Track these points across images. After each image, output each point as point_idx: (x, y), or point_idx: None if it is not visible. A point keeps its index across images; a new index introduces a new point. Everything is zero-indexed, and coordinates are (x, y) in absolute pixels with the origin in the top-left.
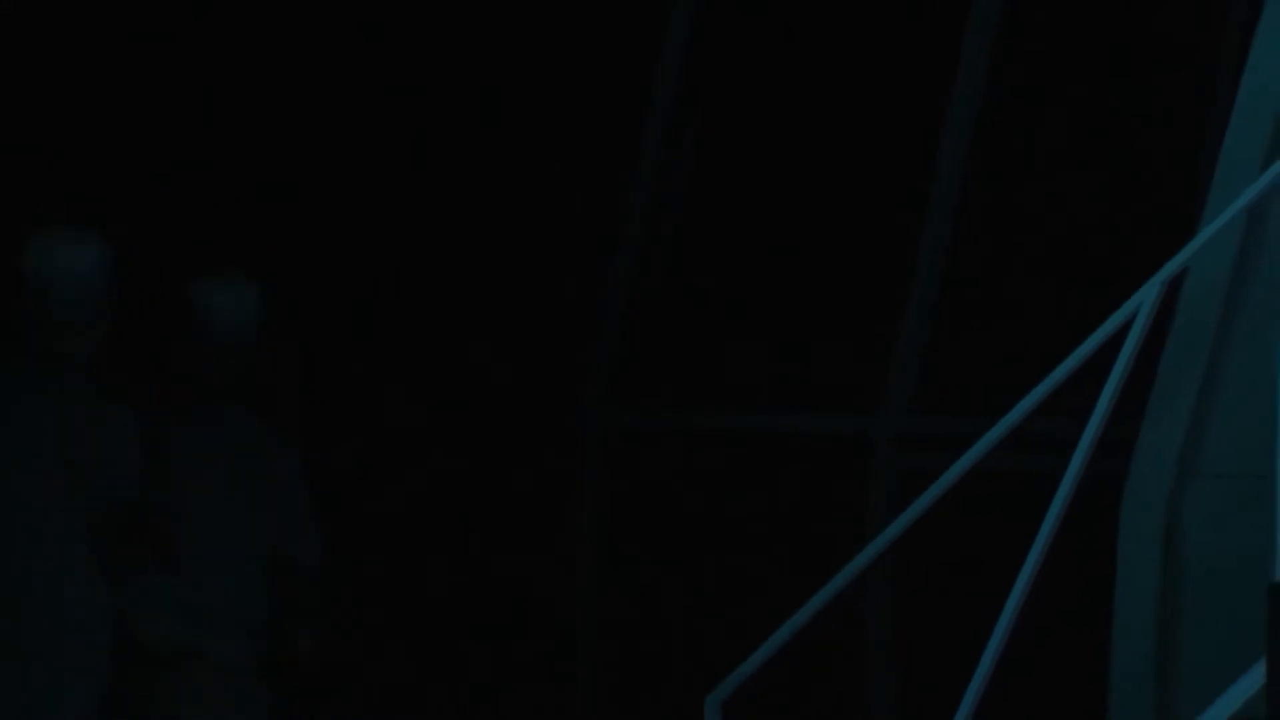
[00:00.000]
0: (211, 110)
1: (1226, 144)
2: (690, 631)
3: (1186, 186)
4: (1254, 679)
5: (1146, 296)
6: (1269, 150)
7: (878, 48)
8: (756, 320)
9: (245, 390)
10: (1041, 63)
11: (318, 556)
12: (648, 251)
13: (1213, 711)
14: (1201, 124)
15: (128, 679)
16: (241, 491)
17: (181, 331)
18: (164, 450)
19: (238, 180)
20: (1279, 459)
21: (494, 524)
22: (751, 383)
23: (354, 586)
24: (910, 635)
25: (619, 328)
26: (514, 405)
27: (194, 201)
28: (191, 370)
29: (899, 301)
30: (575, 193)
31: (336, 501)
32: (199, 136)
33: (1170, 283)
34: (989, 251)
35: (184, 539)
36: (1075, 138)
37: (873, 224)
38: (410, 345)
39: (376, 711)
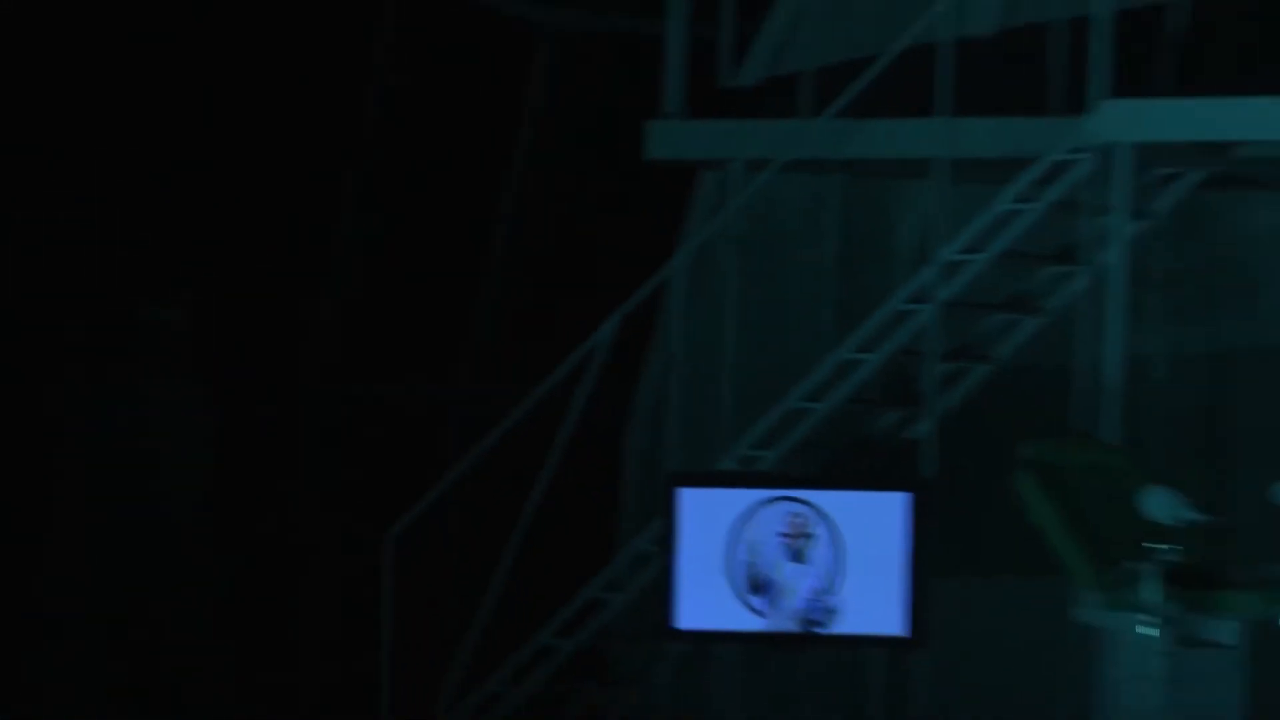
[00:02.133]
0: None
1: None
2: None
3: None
4: None
5: (603, 335)
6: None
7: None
8: (415, 317)
9: None
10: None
11: None
12: (350, 266)
13: None
14: None
15: None
16: None
17: None
18: None
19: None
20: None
21: (235, 475)
22: (413, 362)
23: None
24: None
25: (333, 321)
26: (256, 382)
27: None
28: None
29: (470, 304)
30: (291, 204)
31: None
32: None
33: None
34: (539, 270)
35: None
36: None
37: (453, 242)
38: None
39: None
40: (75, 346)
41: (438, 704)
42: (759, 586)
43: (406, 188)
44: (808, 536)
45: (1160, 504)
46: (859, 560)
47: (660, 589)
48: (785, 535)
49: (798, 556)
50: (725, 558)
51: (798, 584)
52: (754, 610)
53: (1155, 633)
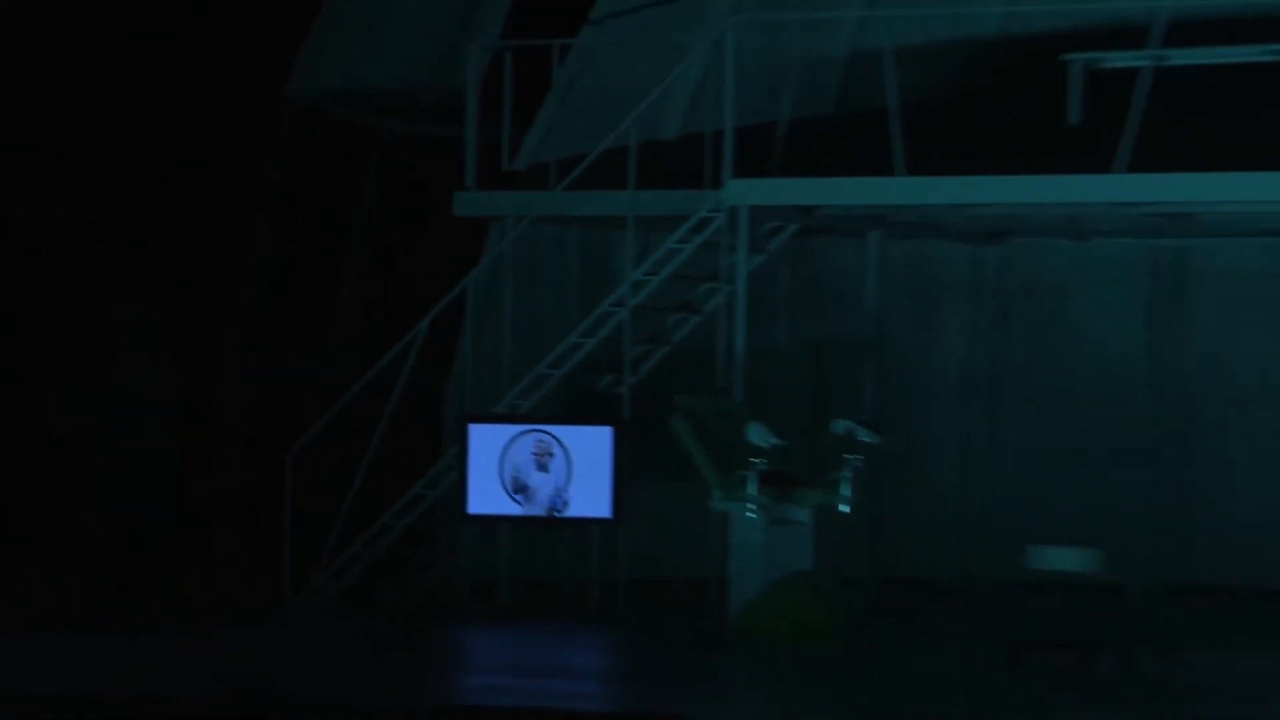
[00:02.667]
0: None
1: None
2: None
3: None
4: None
5: (422, 326)
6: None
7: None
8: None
9: None
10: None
11: None
12: (269, 269)
13: None
14: None
15: None
16: None
17: None
18: None
19: None
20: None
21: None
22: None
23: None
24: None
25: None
26: (195, 361)
27: None
28: None
29: (336, 309)
30: (217, 216)
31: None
32: None
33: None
34: (384, 289)
35: None
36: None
37: (326, 272)
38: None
39: None
40: (70, 340)
41: (318, 565)
42: (520, 487)
43: (296, 237)
44: (550, 455)
45: (758, 434)
46: (582, 470)
47: (459, 487)
48: (535, 454)
49: (543, 468)
50: (498, 468)
51: (544, 485)
52: (517, 502)
53: (755, 516)
